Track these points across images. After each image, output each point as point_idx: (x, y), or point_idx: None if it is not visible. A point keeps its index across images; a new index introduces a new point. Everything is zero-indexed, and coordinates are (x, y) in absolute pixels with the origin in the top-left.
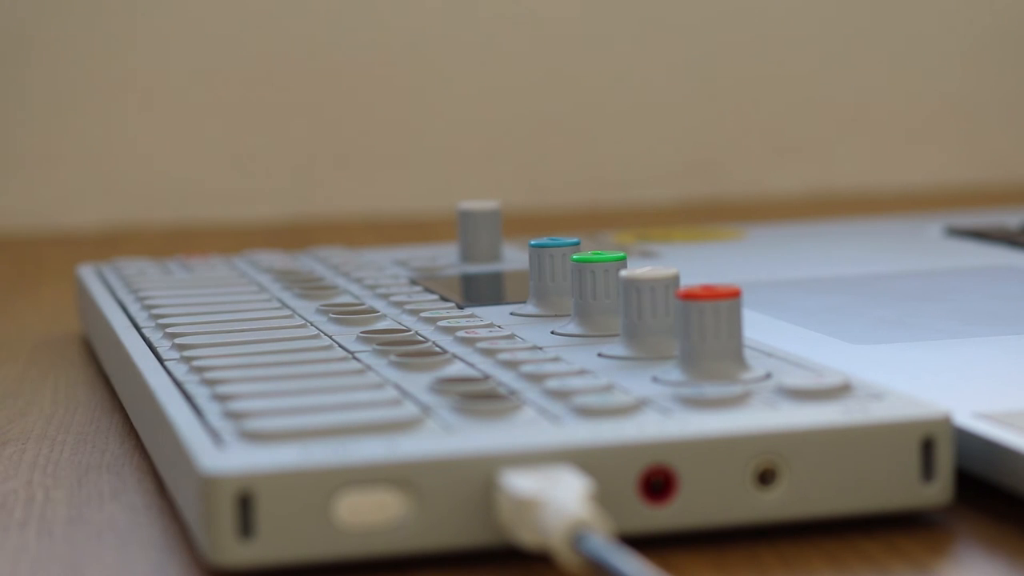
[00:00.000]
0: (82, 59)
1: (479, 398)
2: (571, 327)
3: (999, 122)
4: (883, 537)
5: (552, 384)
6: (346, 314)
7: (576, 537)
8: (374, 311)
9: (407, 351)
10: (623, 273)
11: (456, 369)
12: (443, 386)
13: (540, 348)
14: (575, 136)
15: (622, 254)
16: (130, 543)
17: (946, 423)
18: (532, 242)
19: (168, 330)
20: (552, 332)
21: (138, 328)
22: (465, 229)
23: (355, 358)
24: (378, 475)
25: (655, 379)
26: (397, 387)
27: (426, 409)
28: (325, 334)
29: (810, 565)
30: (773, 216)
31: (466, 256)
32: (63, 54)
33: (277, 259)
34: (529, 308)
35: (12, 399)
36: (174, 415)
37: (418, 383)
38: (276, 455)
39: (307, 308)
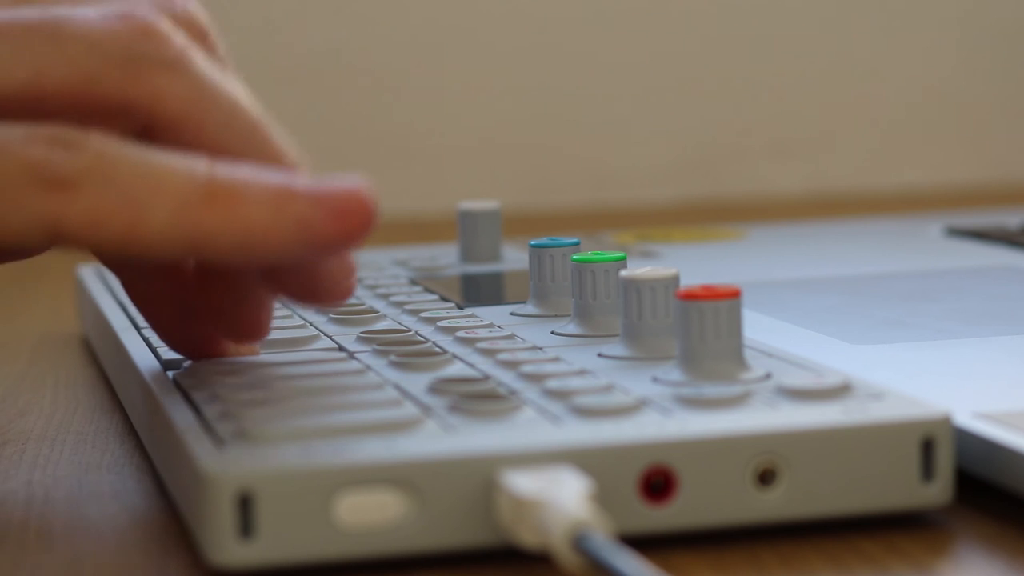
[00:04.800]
0: None
1: (479, 398)
2: (571, 327)
3: (999, 122)
4: (883, 537)
5: (552, 384)
6: (346, 314)
7: (576, 537)
8: (374, 311)
9: (407, 351)
10: (623, 273)
11: (456, 369)
12: (443, 386)
13: (540, 348)
14: (575, 136)
15: (622, 254)
16: (130, 543)
17: (946, 423)
18: (532, 242)
19: None
20: (552, 332)
21: (138, 328)
22: (465, 229)
23: (355, 358)
24: (378, 475)
25: (655, 379)
26: (397, 387)
27: (426, 409)
28: (325, 334)
29: (810, 565)
30: (773, 216)
31: (466, 256)
32: None
33: None
34: (529, 308)
35: (12, 399)
36: (174, 415)
37: (418, 383)
38: (276, 455)
39: (307, 308)
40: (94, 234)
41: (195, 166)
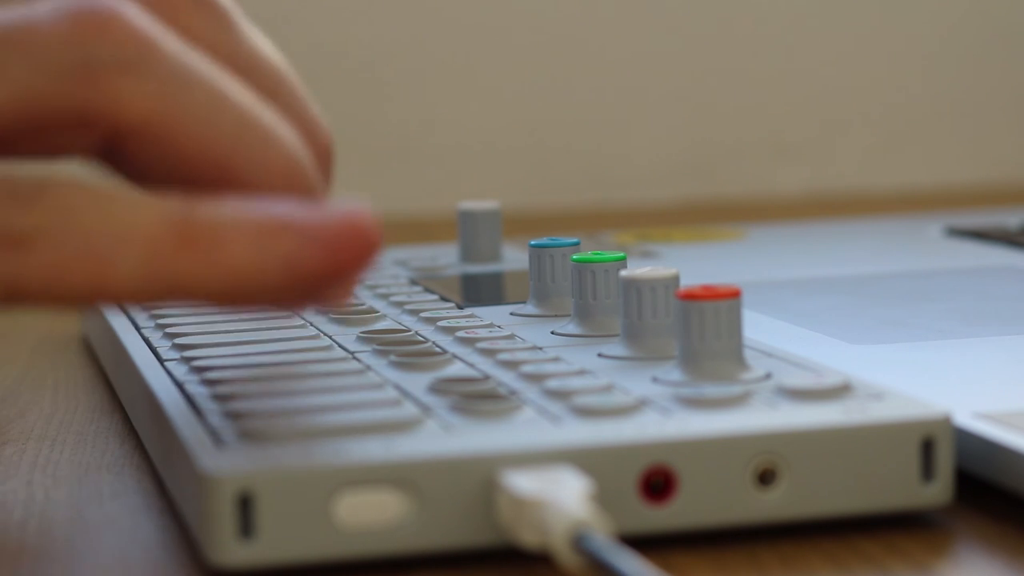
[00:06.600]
0: None
1: (479, 398)
2: (571, 327)
3: (999, 122)
4: (883, 537)
5: (552, 384)
6: (346, 314)
7: (576, 537)
8: (374, 311)
9: (407, 351)
10: (623, 273)
11: (456, 369)
12: (443, 386)
13: (540, 348)
14: (575, 136)
15: (622, 254)
16: (130, 543)
17: (946, 423)
18: (532, 242)
19: (168, 330)
20: (552, 332)
21: (138, 328)
22: (465, 229)
23: (355, 358)
24: (378, 475)
25: (655, 379)
26: (397, 387)
27: (426, 409)
28: (325, 334)
29: (810, 565)
30: (773, 216)
31: (466, 256)
32: None
33: None
34: (529, 308)
35: (12, 399)
36: (174, 415)
37: (418, 383)
38: (276, 455)
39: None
40: (55, 291)
41: (168, 208)
